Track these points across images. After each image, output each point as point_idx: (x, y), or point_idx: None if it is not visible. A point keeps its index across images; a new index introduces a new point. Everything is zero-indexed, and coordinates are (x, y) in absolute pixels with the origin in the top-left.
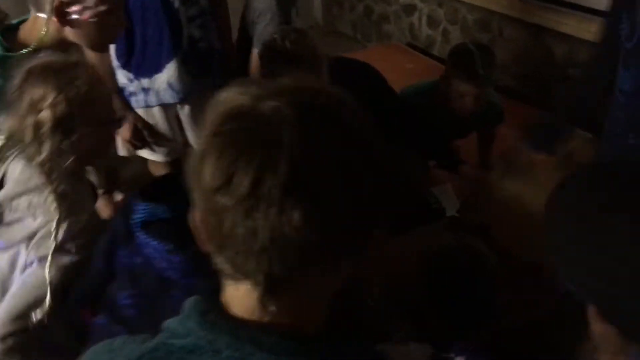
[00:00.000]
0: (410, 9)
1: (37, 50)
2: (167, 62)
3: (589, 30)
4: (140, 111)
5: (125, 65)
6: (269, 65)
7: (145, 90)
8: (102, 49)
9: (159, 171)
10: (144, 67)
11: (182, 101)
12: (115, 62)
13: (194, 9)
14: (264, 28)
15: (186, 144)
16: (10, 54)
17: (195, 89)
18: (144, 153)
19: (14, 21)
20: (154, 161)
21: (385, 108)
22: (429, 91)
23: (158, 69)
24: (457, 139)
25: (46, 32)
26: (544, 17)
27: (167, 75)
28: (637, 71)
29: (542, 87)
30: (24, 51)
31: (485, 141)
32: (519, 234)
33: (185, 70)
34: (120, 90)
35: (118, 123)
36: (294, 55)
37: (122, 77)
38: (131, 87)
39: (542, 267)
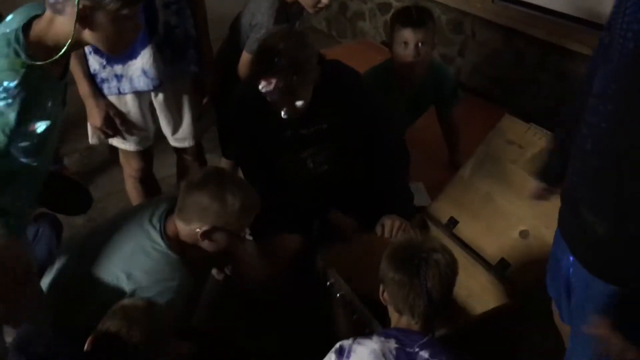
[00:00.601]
0: (385, 7)
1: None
2: (142, 48)
3: (559, 34)
4: (112, 98)
5: (97, 51)
6: (261, 65)
7: (118, 77)
8: (118, 52)
9: (129, 161)
10: None
11: (156, 88)
12: (86, 47)
13: None
14: (256, 40)
15: (159, 132)
16: (37, 62)
17: (170, 76)
18: (115, 142)
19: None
20: (125, 150)
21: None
22: (384, 66)
23: (132, 55)
24: (414, 118)
25: (73, 36)
26: (516, 20)
27: (142, 61)
28: (604, 75)
29: (511, 90)
30: (52, 59)
31: (449, 132)
32: (486, 232)
33: (160, 57)
34: (91, 77)
35: None
36: (287, 57)
37: (94, 62)
38: (103, 74)
39: (504, 264)
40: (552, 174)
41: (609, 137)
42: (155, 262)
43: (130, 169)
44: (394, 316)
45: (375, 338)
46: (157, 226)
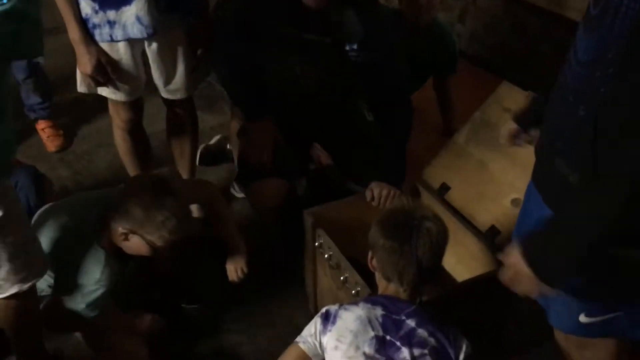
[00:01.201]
0: None
1: None
2: None
3: (561, 4)
4: (104, 45)
5: None
6: None
7: (111, 23)
8: None
9: (118, 112)
10: None
11: (150, 37)
12: None
13: None
14: None
15: (151, 84)
16: None
17: (165, 25)
18: (105, 91)
19: None
20: (114, 101)
21: None
22: (390, 9)
23: (126, 1)
24: (413, 86)
25: None
26: None
27: (136, 8)
28: (598, 40)
29: (511, 59)
30: None
31: (444, 101)
32: (477, 199)
33: (155, 4)
34: (82, 22)
35: None
36: None
37: (86, 6)
38: (95, 19)
39: (496, 233)
40: (527, 120)
41: (608, 101)
42: (82, 251)
43: (119, 120)
44: (381, 283)
45: (361, 304)
46: (97, 218)
